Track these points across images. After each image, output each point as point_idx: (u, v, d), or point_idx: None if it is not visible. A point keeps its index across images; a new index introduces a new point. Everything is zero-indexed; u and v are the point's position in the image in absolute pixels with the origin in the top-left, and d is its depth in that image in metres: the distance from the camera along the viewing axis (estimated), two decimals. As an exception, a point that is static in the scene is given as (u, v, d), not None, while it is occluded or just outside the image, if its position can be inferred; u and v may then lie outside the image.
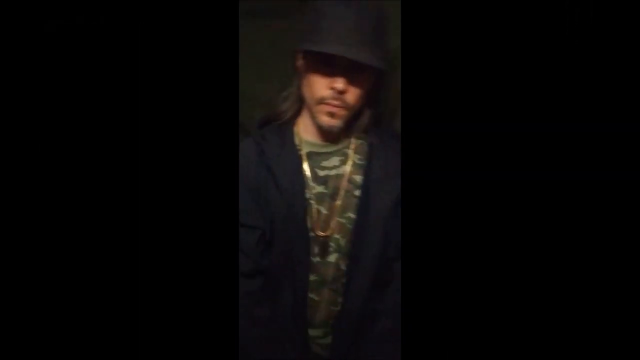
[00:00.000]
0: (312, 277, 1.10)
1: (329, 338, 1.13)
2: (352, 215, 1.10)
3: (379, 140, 1.14)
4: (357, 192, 1.11)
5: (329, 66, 1.03)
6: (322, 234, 1.10)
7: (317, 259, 1.10)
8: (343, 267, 1.10)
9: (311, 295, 1.11)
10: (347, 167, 1.13)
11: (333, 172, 1.12)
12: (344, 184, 1.12)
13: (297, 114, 1.14)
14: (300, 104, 1.13)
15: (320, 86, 1.06)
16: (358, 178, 1.12)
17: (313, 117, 1.10)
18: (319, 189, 1.11)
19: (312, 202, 1.10)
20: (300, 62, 1.09)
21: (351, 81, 1.04)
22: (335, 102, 1.05)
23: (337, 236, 1.10)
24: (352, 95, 1.06)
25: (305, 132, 1.14)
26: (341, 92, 1.04)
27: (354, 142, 1.14)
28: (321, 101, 1.06)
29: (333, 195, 1.11)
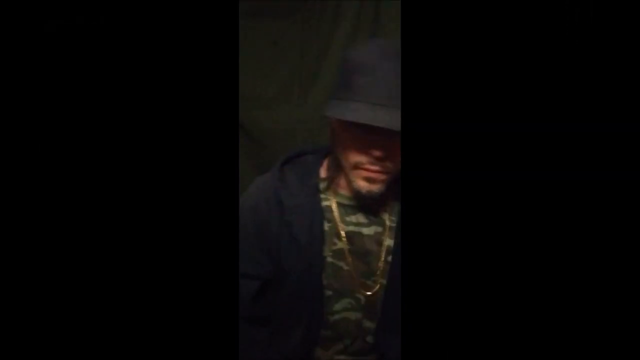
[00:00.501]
0: (324, 332, 1.02)
1: None
2: (382, 280, 1.00)
3: None
4: (389, 257, 1.01)
5: (365, 130, 0.89)
6: (367, 293, 1.00)
7: (337, 316, 1.02)
8: (366, 325, 1.02)
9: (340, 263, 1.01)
10: (376, 228, 1.02)
11: (357, 229, 1.01)
12: (372, 245, 1.01)
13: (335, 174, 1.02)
14: (340, 168, 0.99)
15: (356, 150, 0.93)
16: (387, 240, 1.01)
17: (352, 183, 0.96)
18: (340, 244, 1.00)
19: (329, 259, 1.00)
20: (333, 122, 0.96)
21: (391, 145, 0.90)
22: (374, 168, 0.93)
23: (359, 296, 1.01)
24: (393, 161, 0.92)
25: (337, 185, 1.02)
26: (380, 159, 0.92)
27: (384, 199, 1.00)
28: (358, 166, 0.94)
29: (358, 254, 1.00)
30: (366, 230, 1.01)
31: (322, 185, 1.01)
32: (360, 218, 1.01)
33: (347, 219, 1.01)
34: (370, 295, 1.00)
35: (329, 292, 0.99)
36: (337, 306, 1.01)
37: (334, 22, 1.42)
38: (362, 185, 0.94)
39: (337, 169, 0.99)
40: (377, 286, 1.00)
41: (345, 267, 0.99)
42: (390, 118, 0.85)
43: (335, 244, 1.00)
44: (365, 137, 0.90)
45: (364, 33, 1.38)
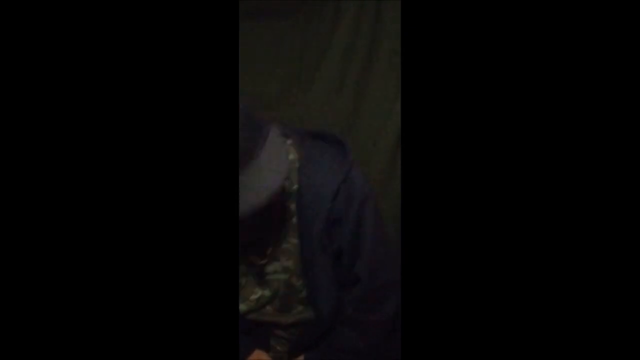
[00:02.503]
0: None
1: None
2: (294, 240, 1.11)
3: (305, 158, 1.10)
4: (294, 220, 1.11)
5: None
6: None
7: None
8: (295, 282, 1.13)
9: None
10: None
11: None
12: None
13: None
14: None
15: None
16: (292, 206, 1.10)
17: None
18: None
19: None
20: None
21: None
22: None
23: (281, 258, 1.12)
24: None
25: None
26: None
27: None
28: None
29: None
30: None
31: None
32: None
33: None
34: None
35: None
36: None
37: (334, 22, 1.42)
38: None
39: None
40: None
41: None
42: None
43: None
44: None
45: (364, 33, 1.38)
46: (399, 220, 1.14)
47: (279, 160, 0.98)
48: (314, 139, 1.15)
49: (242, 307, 1.13)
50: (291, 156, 1.09)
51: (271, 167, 0.95)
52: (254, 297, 1.13)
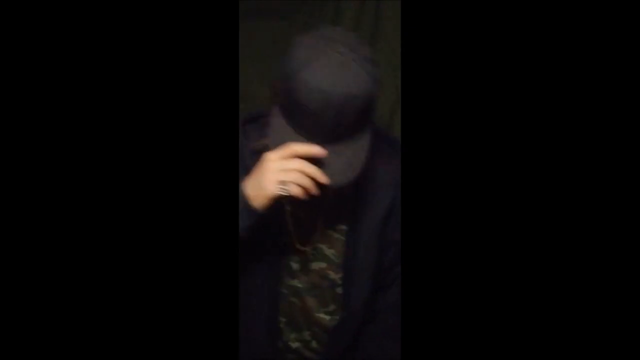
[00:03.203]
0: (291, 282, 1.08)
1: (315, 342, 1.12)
2: (343, 227, 1.06)
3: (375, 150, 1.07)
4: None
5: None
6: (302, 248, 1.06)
7: (297, 265, 1.08)
8: (332, 276, 1.08)
9: (293, 299, 1.09)
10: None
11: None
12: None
13: None
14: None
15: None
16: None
17: None
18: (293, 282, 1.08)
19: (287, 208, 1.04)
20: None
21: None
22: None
23: (322, 246, 1.07)
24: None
25: None
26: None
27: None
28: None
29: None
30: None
31: None
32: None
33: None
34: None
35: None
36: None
37: (334, 22, 1.42)
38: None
39: None
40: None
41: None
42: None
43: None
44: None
45: (364, 33, 1.38)
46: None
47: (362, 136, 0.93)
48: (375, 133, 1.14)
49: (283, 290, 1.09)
50: None
51: (357, 142, 0.91)
52: (292, 283, 1.09)
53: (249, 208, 0.91)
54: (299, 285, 1.08)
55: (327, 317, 1.10)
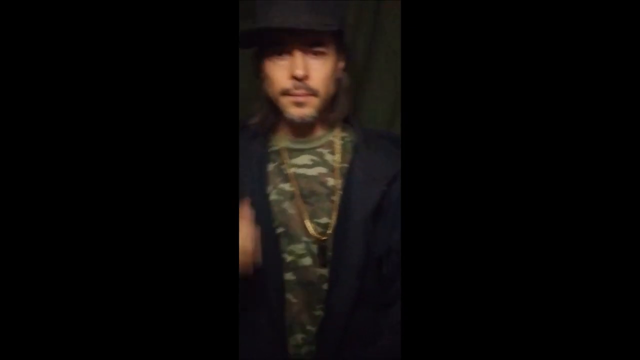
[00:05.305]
0: (287, 276, 1.03)
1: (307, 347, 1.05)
2: (326, 220, 1.04)
3: (362, 140, 1.07)
4: (333, 197, 1.04)
5: (283, 53, 0.97)
6: (321, 238, 1.02)
7: (291, 257, 1.04)
8: (321, 272, 1.03)
9: (288, 295, 1.03)
10: (320, 169, 1.06)
11: (301, 171, 1.06)
12: (316, 186, 1.05)
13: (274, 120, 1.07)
14: (271, 106, 1.04)
15: (279, 77, 0.99)
16: (331, 181, 1.05)
17: (283, 113, 1.02)
18: (284, 186, 1.05)
19: (273, 198, 1.03)
20: (258, 61, 1.02)
21: (311, 65, 0.98)
22: (300, 91, 0.98)
23: (307, 239, 1.04)
24: (316, 80, 0.99)
25: (282, 131, 1.08)
26: (303, 79, 0.97)
27: (331, 140, 1.08)
28: (285, 93, 0.99)
29: (302, 195, 1.04)
30: (310, 172, 1.06)
31: (254, 129, 1.07)
32: (305, 160, 1.06)
33: (292, 161, 1.05)
34: (322, 240, 1.03)
35: (280, 230, 1.03)
36: (291, 248, 1.04)
37: (333, 22, 1.42)
38: (294, 111, 1.00)
39: (269, 108, 1.05)
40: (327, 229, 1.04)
41: (290, 210, 1.03)
42: (306, 19, 0.93)
43: (278, 184, 1.04)
44: (284, 58, 0.97)
45: (364, 33, 1.38)
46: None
47: None
48: (372, 130, 1.14)
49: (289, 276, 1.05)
50: (344, 134, 1.08)
51: None
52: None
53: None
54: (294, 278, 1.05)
55: (316, 314, 1.05)
